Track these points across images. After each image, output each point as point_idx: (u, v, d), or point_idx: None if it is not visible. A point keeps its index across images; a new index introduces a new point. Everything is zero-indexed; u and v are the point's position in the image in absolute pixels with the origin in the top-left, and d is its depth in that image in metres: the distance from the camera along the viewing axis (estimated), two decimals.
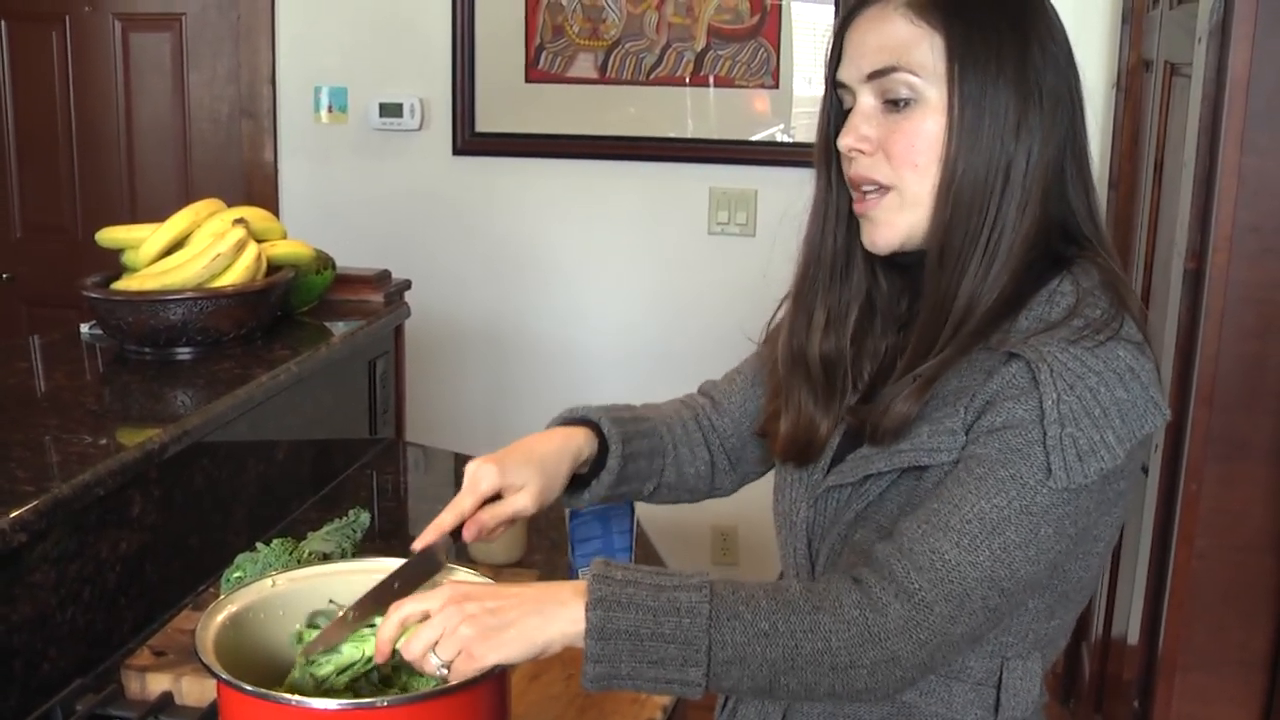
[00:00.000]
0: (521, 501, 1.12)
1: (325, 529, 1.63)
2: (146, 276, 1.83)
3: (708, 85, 3.01)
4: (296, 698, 0.97)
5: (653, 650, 0.94)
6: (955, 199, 1.02)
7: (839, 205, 1.12)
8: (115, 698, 1.31)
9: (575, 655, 0.96)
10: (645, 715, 1.35)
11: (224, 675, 0.97)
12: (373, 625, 1.05)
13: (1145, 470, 2.00)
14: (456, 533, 1.11)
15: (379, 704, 0.96)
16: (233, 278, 1.83)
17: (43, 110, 3.46)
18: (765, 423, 1.22)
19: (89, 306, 1.82)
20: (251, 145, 3.29)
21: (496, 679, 1.00)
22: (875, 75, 1.04)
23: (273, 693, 0.97)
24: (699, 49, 2.99)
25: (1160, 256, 2.24)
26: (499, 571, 1.61)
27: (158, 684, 1.32)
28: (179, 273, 1.82)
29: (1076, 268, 1.04)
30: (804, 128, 2.97)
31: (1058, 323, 1.00)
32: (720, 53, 2.98)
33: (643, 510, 1.42)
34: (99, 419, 1.60)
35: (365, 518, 1.68)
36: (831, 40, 1.10)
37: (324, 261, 2.10)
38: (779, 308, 1.23)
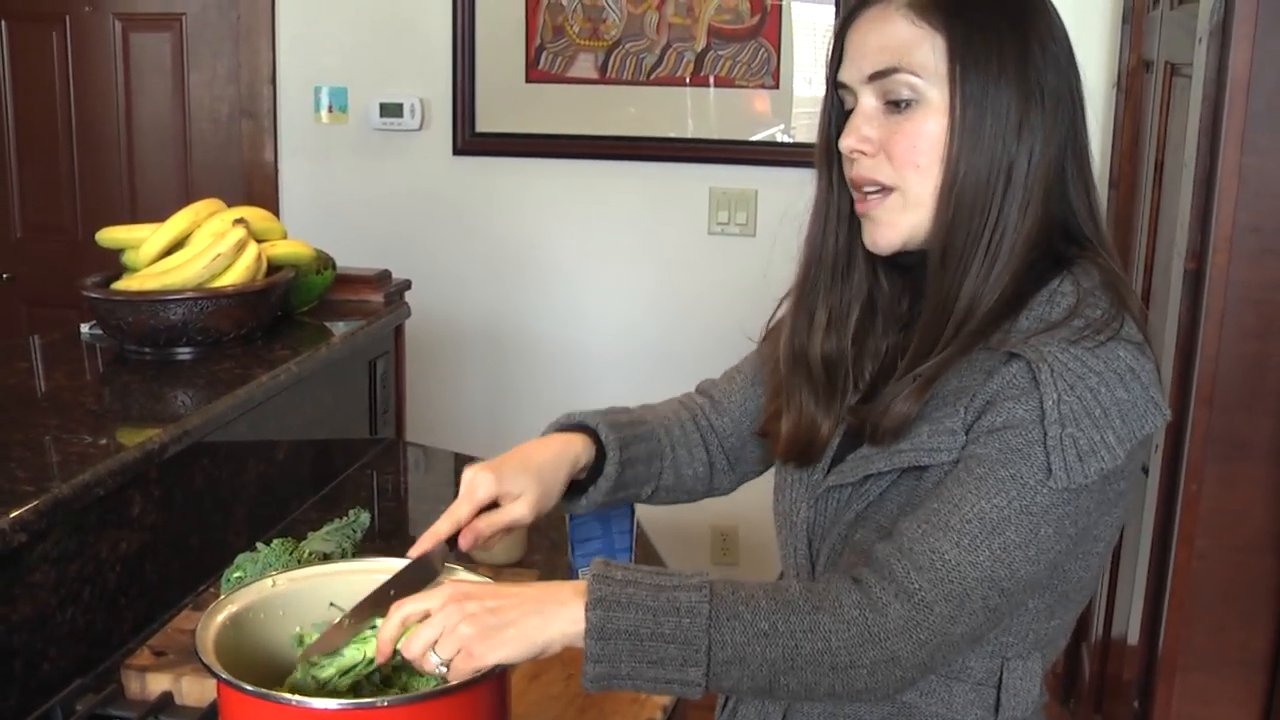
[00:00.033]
0: (519, 510, 1.12)
1: (325, 529, 1.63)
2: (147, 276, 1.83)
3: (708, 85, 3.01)
4: (297, 698, 0.97)
5: (652, 650, 0.94)
6: (957, 200, 1.02)
7: (840, 206, 1.12)
8: (115, 698, 1.31)
9: (575, 655, 0.96)
10: (645, 715, 1.34)
11: (224, 675, 0.97)
12: (374, 627, 1.05)
13: (1145, 470, 2.00)
14: (453, 540, 1.10)
15: (379, 704, 0.96)
16: (233, 278, 1.83)
17: (43, 110, 3.46)
18: (766, 423, 1.22)
19: (89, 306, 1.82)
20: (252, 145, 3.29)
21: (496, 679, 1.00)
22: (876, 76, 1.04)
23: (273, 693, 0.97)
24: (699, 49, 2.99)
25: (1160, 257, 2.24)
26: (499, 571, 1.61)
27: (158, 684, 1.32)
28: (179, 273, 1.82)
29: (1077, 268, 1.05)
30: (804, 128, 2.97)
31: (1058, 323, 1.00)
32: (720, 53, 2.98)
33: (643, 510, 1.42)
34: (99, 419, 1.60)
35: (365, 518, 1.68)
36: (832, 41, 1.10)
37: (324, 261, 2.10)
38: (778, 306, 1.23)
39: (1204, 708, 1.90)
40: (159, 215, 1.96)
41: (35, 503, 1.26)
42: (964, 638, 0.99)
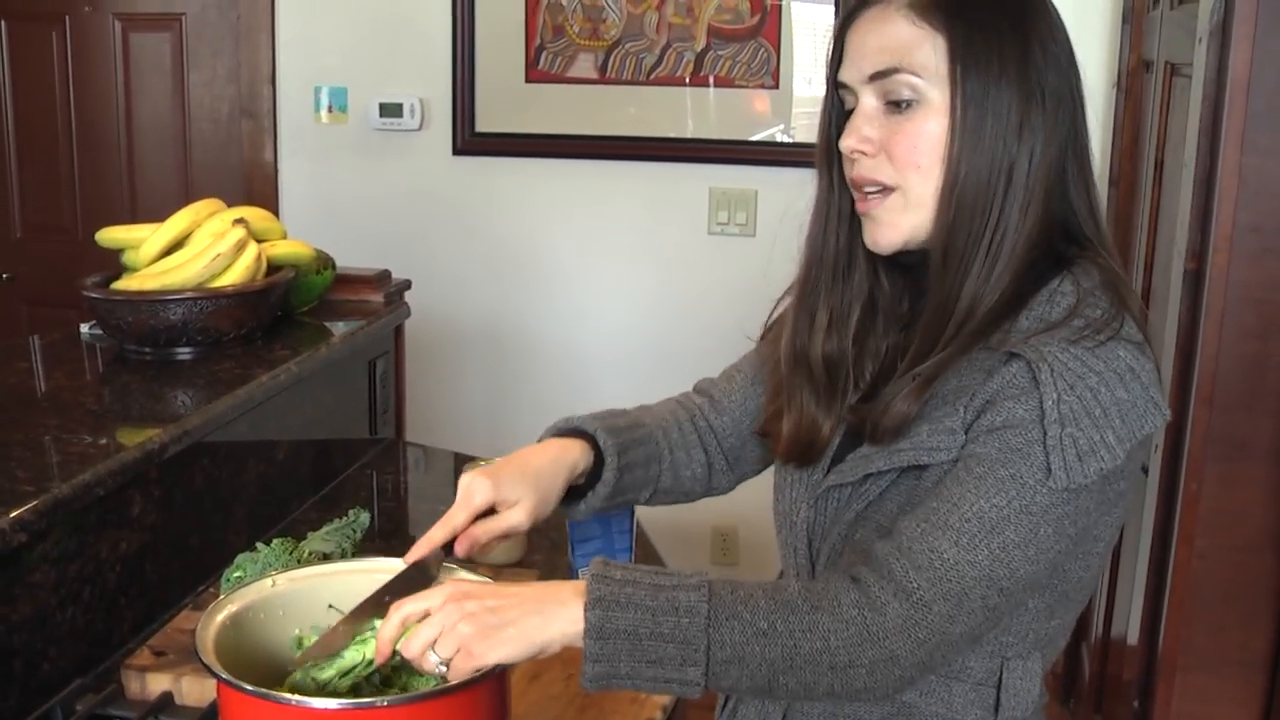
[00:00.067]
0: (515, 517, 1.12)
1: (325, 529, 1.63)
2: (146, 276, 1.83)
3: (708, 85, 3.01)
4: (297, 697, 0.97)
5: (651, 650, 0.94)
6: (959, 200, 1.02)
7: (841, 205, 1.12)
8: (115, 698, 1.31)
9: (575, 655, 0.96)
10: (645, 715, 1.35)
11: (224, 675, 0.97)
12: (373, 628, 1.05)
13: (1145, 470, 2.00)
14: (449, 546, 1.10)
15: (379, 703, 0.96)
16: (233, 278, 1.83)
17: (43, 110, 3.46)
18: (766, 422, 1.21)
19: (89, 306, 1.82)
20: (251, 145, 3.29)
21: (496, 679, 1.00)
22: (877, 76, 1.04)
23: (273, 692, 0.97)
24: (699, 49, 2.99)
25: (1160, 256, 2.24)
26: (499, 571, 1.61)
27: (158, 684, 1.32)
28: (179, 273, 1.82)
29: (1077, 268, 1.05)
30: (804, 128, 2.97)
31: (1058, 323, 1.00)
32: (720, 53, 2.98)
33: (643, 510, 1.42)
34: (99, 419, 1.60)
35: (365, 518, 1.68)
36: (832, 41, 1.10)
37: (324, 261, 2.10)
38: (776, 305, 1.23)
39: (1204, 707, 1.90)
40: (159, 215, 1.96)
41: (35, 503, 1.26)
42: (963, 637, 0.98)
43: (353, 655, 1.05)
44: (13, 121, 3.49)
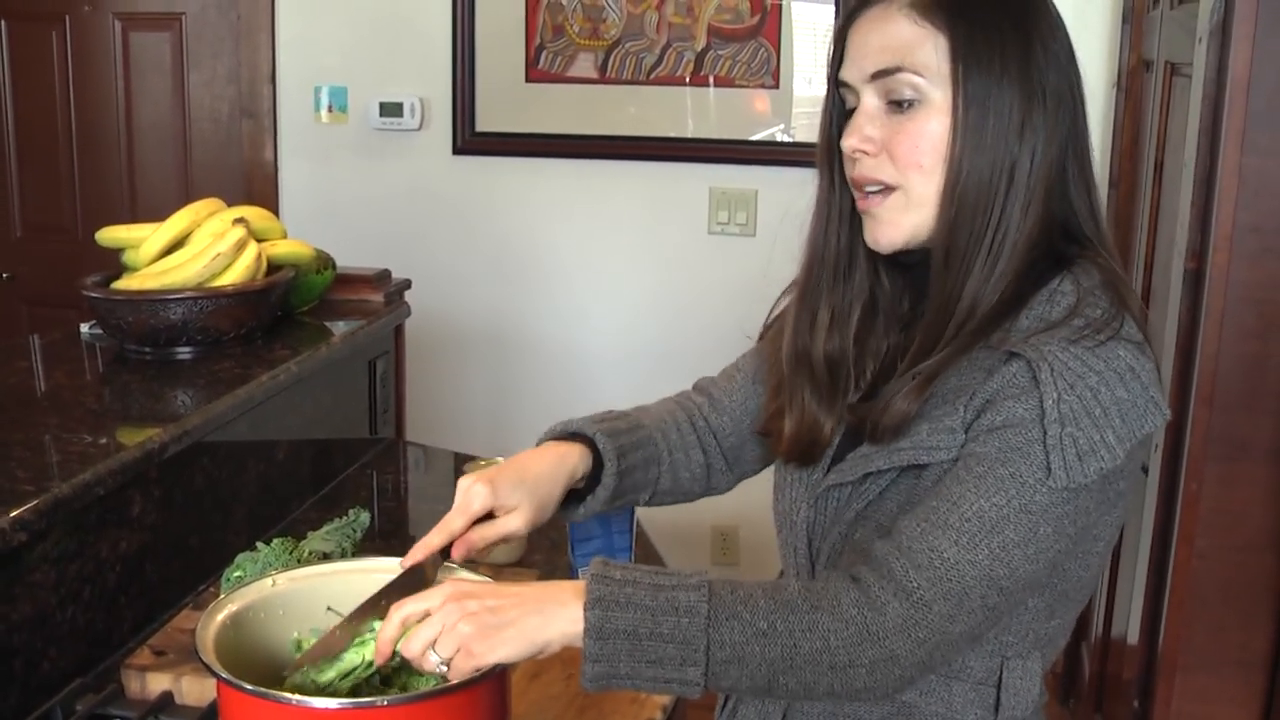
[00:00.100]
0: (513, 524, 1.11)
1: (325, 529, 1.63)
2: (146, 276, 1.83)
3: (708, 85, 3.01)
4: (297, 697, 0.97)
5: (651, 650, 0.94)
6: (960, 199, 1.02)
7: (842, 205, 1.12)
8: (115, 697, 1.31)
9: (575, 655, 0.96)
10: (645, 715, 1.35)
11: (224, 674, 0.97)
12: (372, 630, 1.05)
13: (1145, 470, 2.00)
14: (445, 551, 1.10)
15: (379, 703, 0.96)
16: (233, 277, 1.83)
17: (43, 110, 3.46)
18: (767, 422, 1.21)
19: (89, 306, 1.82)
20: (251, 145, 3.29)
21: (496, 678, 1.00)
22: (879, 75, 1.04)
23: (273, 692, 0.97)
24: (699, 49, 2.99)
25: (1160, 256, 2.24)
26: (499, 571, 1.61)
27: (158, 683, 1.32)
28: (179, 272, 1.82)
29: (1077, 267, 1.05)
30: (804, 128, 2.97)
31: (1058, 322, 1.00)
32: (720, 53, 2.98)
33: (643, 510, 1.42)
34: (99, 418, 1.60)
35: (365, 517, 1.68)
36: (833, 40, 1.10)
37: (324, 261, 2.10)
38: (776, 304, 1.23)
39: (1204, 707, 1.90)
40: (159, 215, 1.96)
41: (35, 502, 1.26)
42: (963, 636, 0.98)
43: (352, 657, 1.05)
44: (13, 121, 3.49)
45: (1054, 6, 1.07)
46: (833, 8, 2.91)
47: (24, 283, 3.55)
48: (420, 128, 3.17)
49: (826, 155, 1.12)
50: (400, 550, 1.12)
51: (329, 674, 1.04)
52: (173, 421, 1.53)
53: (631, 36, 3.01)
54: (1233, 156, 1.77)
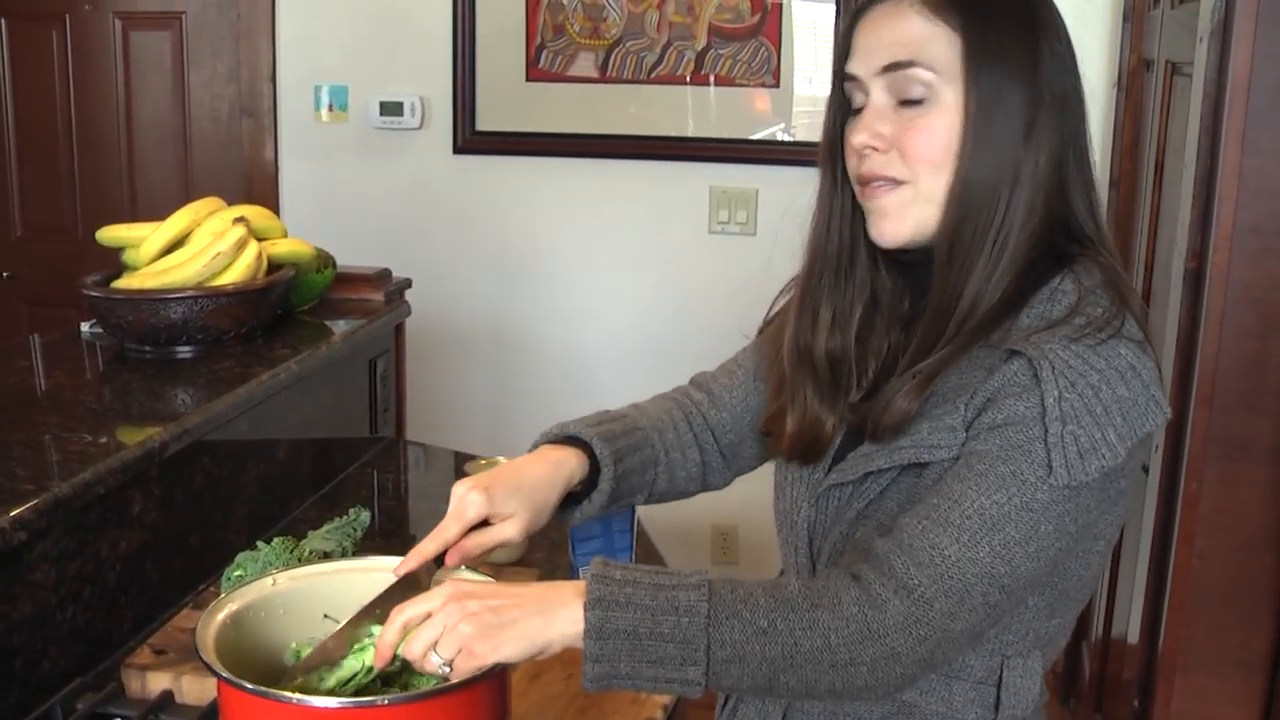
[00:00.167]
0: (508, 531, 1.10)
1: (326, 528, 1.63)
2: (147, 275, 1.83)
3: (708, 84, 3.01)
4: (297, 695, 0.97)
5: (651, 649, 0.94)
6: (967, 198, 1.03)
7: (844, 202, 1.12)
8: (115, 696, 1.31)
9: (575, 655, 0.96)
10: (645, 715, 1.34)
11: (224, 674, 0.97)
12: (371, 635, 1.05)
13: (1145, 470, 2.00)
14: (440, 558, 1.09)
15: (379, 702, 0.96)
16: (233, 276, 1.83)
17: (43, 109, 3.46)
18: (768, 421, 1.21)
19: (89, 305, 1.82)
20: (252, 144, 3.29)
21: (497, 678, 0.99)
22: (890, 69, 1.04)
23: (273, 691, 0.96)
24: (700, 48, 2.99)
25: (1161, 256, 2.24)
26: (499, 571, 1.61)
27: (158, 682, 1.32)
28: (179, 271, 1.82)
29: (1078, 266, 1.05)
30: (805, 127, 2.97)
31: (1059, 320, 1.00)
32: (721, 52, 2.98)
33: (643, 509, 1.42)
34: (99, 418, 1.60)
35: (365, 516, 1.68)
36: (841, 35, 1.10)
37: (324, 260, 2.10)
38: (776, 300, 1.23)
39: (1204, 707, 1.90)
40: (159, 214, 1.96)
41: (35, 501, 1.26)
42: (964, 634, 0.98)
43: (352, 663, 1.05)
44: (13, 121, 3.49)
45: (1055, 7, 1.07)
46: (833, 7, 2.91)
47: (24, 282, 3.55)
48: (420, 127, 3.16)
49: (829, 152, 1.12)
50: (401, 550, 1.12)
51: (329, 681, 1.04)
52: (173, 420, 1.53)
53: (632, 36, 3.01)
54: (1233, 156, 1.77)
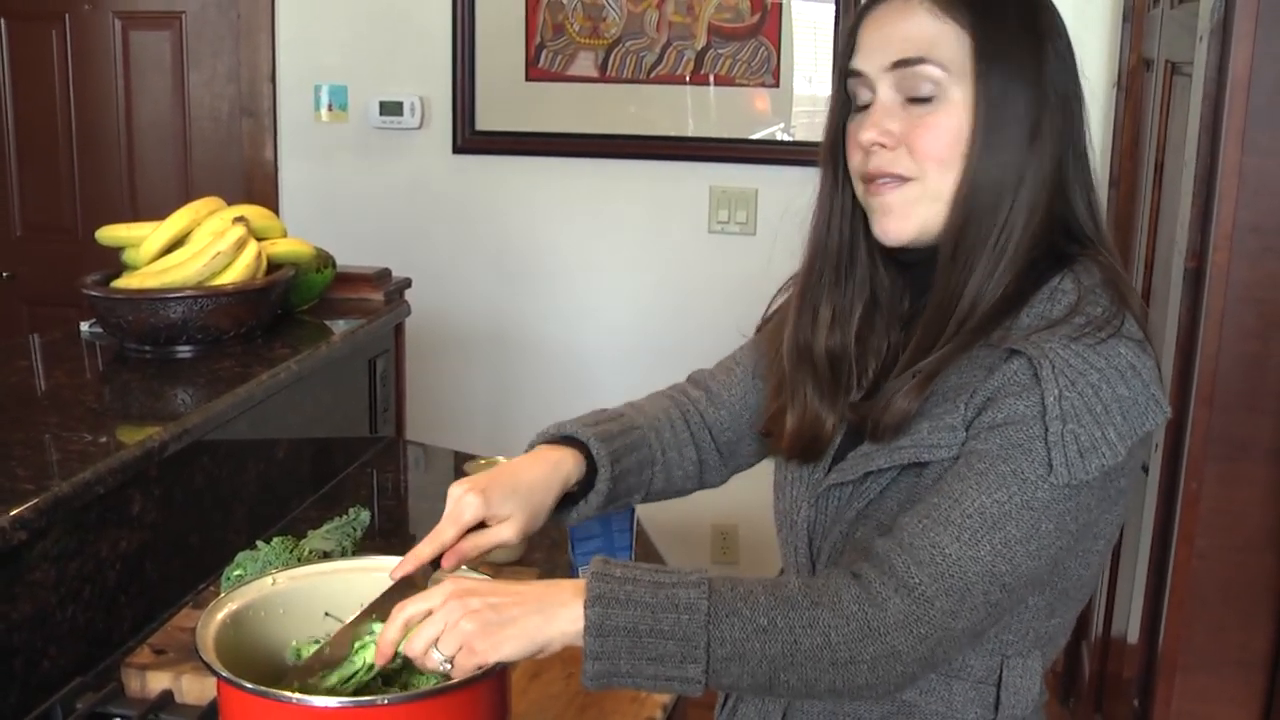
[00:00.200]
0: (505, 533, 1.10)
1: (325, 527, 1.63)
2: (147, 275, 1.83)
3: (708, 84, 3.01)
4: (297, 695, 0.97)
5: (651, 647, 0.94)
6: (973, 199, 1.03)
7: (845, 201, 1.12)
8: (115, 696, 1.31)
9: (575, 654, 0.96)
10: (645, 714, 1.34)
11: (224, 673, 0.97)
12: (372, 633, 1.05)
13: (1145, 469, 2.00)
14: (436, 561, 1.09)
15: (379, 701, 0.96)
16: (233, 276, 1.83)
17: (43, 109, 3.46)
18: (768, 422, 1.21)
19: (89, 305, 1.82)
20: (252, 144, 3.29)
21: (497, 677, 1.00)
22: (900, 65, 1.04)
23: (273, 690, 0.96)
24: (699, 48, 2.99)
25: (1161, 255, 2.24)
26: (499, 570, 1.61)
27: (158, 682, 1.32)
28: (179, 271, 1.82)
29: (1078, 265, 1.05)
30: (804, 126, 2.97)
31: (1059, 320, 1.00)
32: (721, 51, 2.98)
33: (643, 509, 1.41)
34: (99, 417, 1.60)
35: (365, 516, 1.68)
36: (846, 31, 1.10)
37: (324, 260, 2.10)
38: (774, 298, 1.23)
39: (1204, 706, 1.90)
40: (159, 214, 1.96)
41: (35, 501, 1.26)
42: (965, 633, 0.98)
43: (352, 662, 1.05)
44: (13, 120, 3.49)
45: (1056, 8, 1.08)
46: (833, 7, 2.91)
47: (24, 282, 3.55)
48: (420, 126, 3.17)
49: (831, 149, 1.12)
50: (400, 549, 1.12)
51: (330, 680, 1.04)
52: (173, 420, 1.53)
53: (632, 35, 3.01)
54: (1233, 156, 1.77)
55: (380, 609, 1.05)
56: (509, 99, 3.10)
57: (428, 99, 3.15)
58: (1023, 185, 1.03)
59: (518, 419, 3.17)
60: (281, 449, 1.85)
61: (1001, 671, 1.06)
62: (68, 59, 3.43)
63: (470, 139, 3.14)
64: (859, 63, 1.07)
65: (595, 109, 3.06)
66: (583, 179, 3.13)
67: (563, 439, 1.18)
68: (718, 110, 3.02)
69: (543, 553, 1.71)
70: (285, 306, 2.00)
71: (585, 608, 0.94)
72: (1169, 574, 1.90)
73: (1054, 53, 1.04)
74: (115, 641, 1.44)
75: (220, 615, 1.07)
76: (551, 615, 0.96)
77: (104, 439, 1.46)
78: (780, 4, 2.93)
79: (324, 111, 3.22)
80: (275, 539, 1.51)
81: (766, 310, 1.26)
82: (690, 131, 3.04)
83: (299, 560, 1.47)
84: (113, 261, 1.93)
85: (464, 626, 0.95)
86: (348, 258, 2.23)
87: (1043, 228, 1.04)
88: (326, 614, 1.12)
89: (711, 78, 3.00)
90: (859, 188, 1.10)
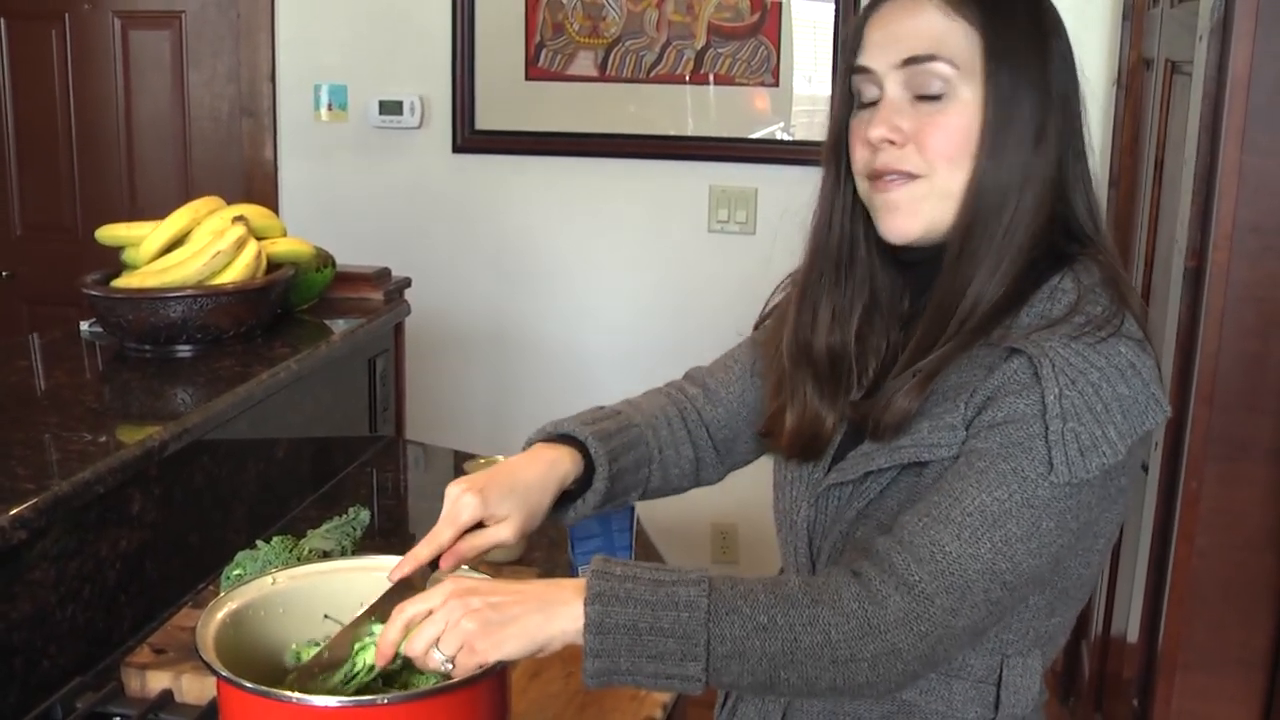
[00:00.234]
0: (503, 533, 1.10)
1: (325, 527, 1.63)
2: (146, 274, 1.83)
3: (708, 83, 3.01)
4: (297, 695, 0.97)
5: (651, 645, 0.94)
6: (982, 198, 1.03)
7: (846, 199, 1.12)
8: (115, 695, 1.31)
9: (575, 653, 0.96)
10: (645, 713, 1.34)
11: (224, 673, 0.97)
12: (372, 634, 1.05)
13: (1145, 468, 2.00)
14: (434, 563, 1.09)
15: (380, 701, 0.96)
16: (233, 275, 1.83)
17: (43, 108, 3.46)
18: (768, 422, 1.20)
19: (89, 304, 1.82)
20: (251, 143, 3.29)
21: (497, 676, 0.99)
22: (910, 62, 1.04)
23: (273, 690, 0.96)
24: (699, 47, 2.99)
25: (1161, 255, 2.24)
26: (499, 569, 1.61)
27: (158, 682, 1.32)
28: (179, 270, 1.82)
29: (1078, 265, 1.05)
30: (804, 126, 2.97)
31: (1059, 319, 1.00)
32: (720, 51, 2.98)
33: (643, 508, 1.41)
34: (99, 417, 1.60)
35: (365, 515, 1.68)
36: (853, 28, 1.10)
37: (324, 259, 2.10)
38: (773, 295, 1.23)
39: (1203, 705, 1.90)
40: (159, 213, 1.96)
41: (35, 500, 1.26)
42: (966, 631, 0.98)
43: (351, 665, 1.05)
44: (13, 120, 3.49)
45: (1056, 8, 1.08)
46: (833, 6, 2.90)
47: (24, 281, 3.55)
48: (420, 126, 3.16)
49: (834, 147, 1.12)
50: (400, 549, 1.11)
51: (331, 681, 1.04)
52: (173, 420, 1.53)
53: (631, 34, 3.01)
54: (1233, 155, 1.77)
55: (379, 610, 1.05)
56: (508, 98, 3.10)
57: (427, 98, 3.15)
58: (1027, 185, 1.03)
59: (517, 418, 3.17)
60: (281, 448, 1.85)
61: (1001, 670, 1.06)
62: (68, 59, 3.43)
63: (470, 138, 3.14)
64: (866, 59, 1.07)
65: (595, 108, 3.06)
66: (582, 178, 3.13)
67: (560, 437, 1.18)
68: (717, 110, 3.02)
69: (542, 552, 1.71)
70: (285, 306, 2.00)
71: (585, 605, 0.94)
72: (1169, 573, 1.90)
73: (1057, 52, 1.05)
74: (115, 641, 1.44)
75: (220, 615, 1.07)
76: (552, 613, 0.96)
77: (104, 438, 1.46)
78: (780, 3, 2.93)
79: (324, 111, 3.22)
80: (275, 538, 1.51)
81: (764, 308, 1.26)
82: (690, 131, 3.04)
83: (299, 560, 1.47)
84: (113, 261, 1.93)
85: (465, 626, 0.95)
86: (347, 257, 2.23)
87: (1044, 227, 1.04)
88: (326, 616, 1.12)
89: (711, 77, 3.00)
90: (862, 185, 1.09)
